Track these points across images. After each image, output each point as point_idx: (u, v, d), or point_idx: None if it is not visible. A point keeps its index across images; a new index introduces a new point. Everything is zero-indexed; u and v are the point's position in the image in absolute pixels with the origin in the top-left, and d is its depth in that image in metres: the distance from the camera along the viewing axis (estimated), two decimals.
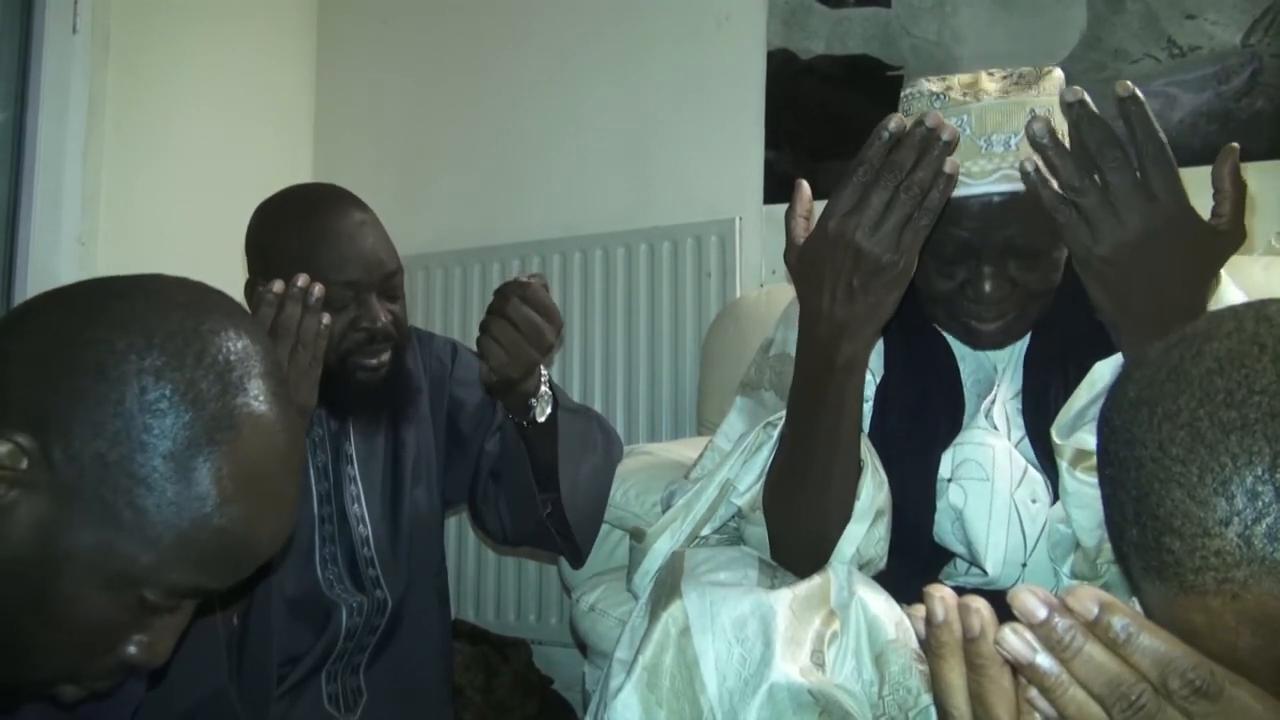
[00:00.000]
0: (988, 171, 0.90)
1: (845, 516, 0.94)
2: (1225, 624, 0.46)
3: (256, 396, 0.68)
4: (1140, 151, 0.80)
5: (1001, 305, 0.96)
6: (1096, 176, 0.81)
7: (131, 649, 0.68)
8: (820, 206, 0.90)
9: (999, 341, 0.99)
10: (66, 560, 0.63)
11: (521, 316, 1.19)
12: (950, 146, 0.82)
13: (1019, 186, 0.89)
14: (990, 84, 0.94)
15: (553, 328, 1.21)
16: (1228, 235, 0.83)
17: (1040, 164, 0.83)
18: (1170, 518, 0.47)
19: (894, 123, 0.83)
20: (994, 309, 0.96)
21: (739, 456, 1.03)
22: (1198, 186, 0.85)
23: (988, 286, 0.94)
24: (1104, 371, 0.90)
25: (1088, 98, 0.80)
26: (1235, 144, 0.84)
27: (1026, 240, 0.92)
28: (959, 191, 0.90)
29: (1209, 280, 0.86)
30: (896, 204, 0.84)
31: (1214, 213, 0.83)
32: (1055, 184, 0.83)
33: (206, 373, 0.66)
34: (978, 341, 1.00)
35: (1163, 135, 0.80)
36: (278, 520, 0.71)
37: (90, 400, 0.64)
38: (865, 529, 0.94)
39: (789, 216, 0.92)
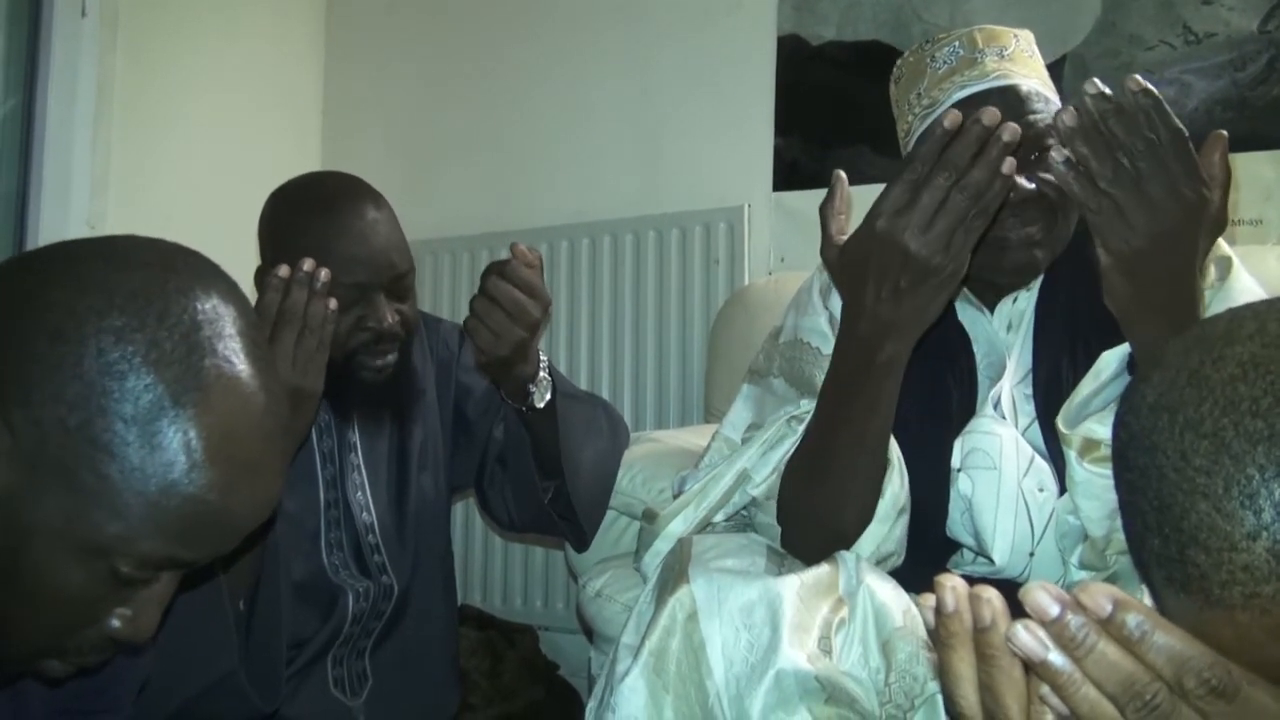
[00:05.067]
0: (986, 74, 0.93)
1: (864, 516, 0.93)
2: (1253, 639, 0.45)
3: (227, 358, 0.64)
4: (1161, 143, 0.78)
5: (1027, 211, 0.94)
6: (1127, 164, 0.79)
7: (114, 623, 0.66)
8: (856, 195, 0.90)
9: (1030, 259, 0.96)
10: (33, 530, 0.61)
11: (502, 293, 1.16)
12: (1009, 146, 0.78)
13: (1013, 81, 0.94)
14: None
15: (538, 304, 1.18)
16: (1217, 222, 0.83)
17: (1070, 156, 0.81)
18: (1195, 531, 0.46)
19: (949, 120, 0.79)
20: (1021, 214, 0.94)
21: (759, 448, 1.02)
22: None
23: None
24: (1110, 360, 0.89)
25: (1107, 89, 0.78)
26: (1224, 131, 0.83)
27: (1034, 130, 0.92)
28: (961, 93, 0.95)
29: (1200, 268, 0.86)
30: (950, 204, 0.80)
31: None
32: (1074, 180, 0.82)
33: (170, 333, 0.63)
34: (1007, 254, 0.96)
35: (1181, 126, 0.78)
36: (256, 488, 0.66)
37: (49, 364, 0.61)
38: (887, 529, 0.94)
39: (826, 211, 0.89)
